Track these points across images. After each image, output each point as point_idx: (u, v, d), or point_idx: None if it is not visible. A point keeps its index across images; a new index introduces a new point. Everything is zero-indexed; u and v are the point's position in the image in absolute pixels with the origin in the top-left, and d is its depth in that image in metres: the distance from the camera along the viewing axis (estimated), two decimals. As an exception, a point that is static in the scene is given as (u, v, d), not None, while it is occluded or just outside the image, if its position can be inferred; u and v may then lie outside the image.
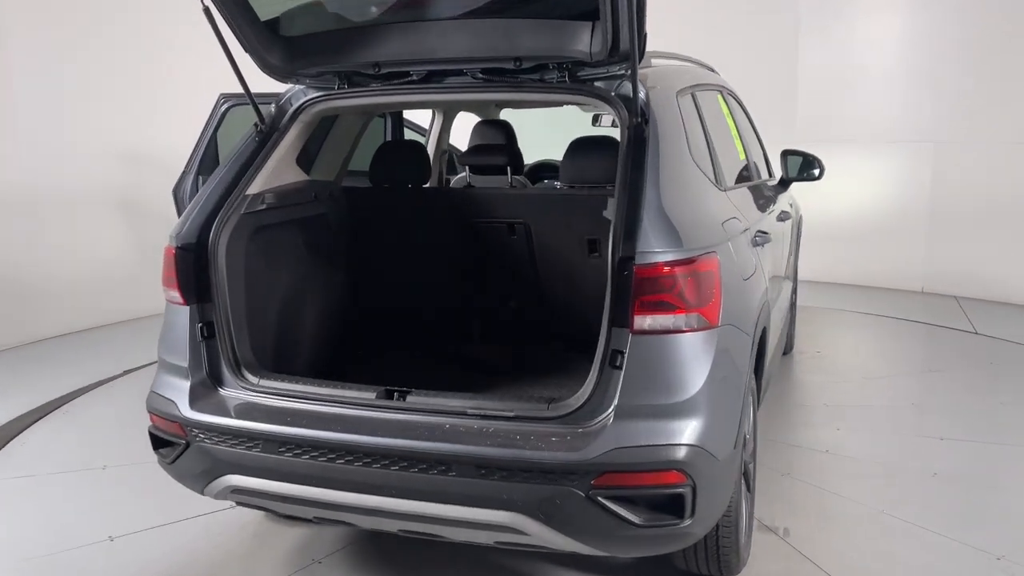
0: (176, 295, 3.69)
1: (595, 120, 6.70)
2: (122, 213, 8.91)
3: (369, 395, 3.42)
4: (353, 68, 3.80)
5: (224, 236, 3.69)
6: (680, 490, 3.03)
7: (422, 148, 4.56)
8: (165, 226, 4.08)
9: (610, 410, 3.08)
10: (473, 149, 4.69)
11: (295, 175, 4.27)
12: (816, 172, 6.10)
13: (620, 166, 3.34)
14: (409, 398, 3.37)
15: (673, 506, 3.04)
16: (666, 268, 3.07)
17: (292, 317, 4.20)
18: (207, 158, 5.98)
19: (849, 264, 10.29)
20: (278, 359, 4.06)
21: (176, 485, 3.73)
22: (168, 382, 3.68)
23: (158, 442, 3.70)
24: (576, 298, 4.48)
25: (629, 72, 3.42)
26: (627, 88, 3.50)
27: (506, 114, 6.91)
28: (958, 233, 9.58)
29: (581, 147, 4.21)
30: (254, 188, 3.85)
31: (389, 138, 6.29)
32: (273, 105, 4.04)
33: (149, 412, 3.71)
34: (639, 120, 3.39)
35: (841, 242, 10.10)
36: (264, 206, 3.90)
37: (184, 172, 6.08)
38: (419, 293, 4.79)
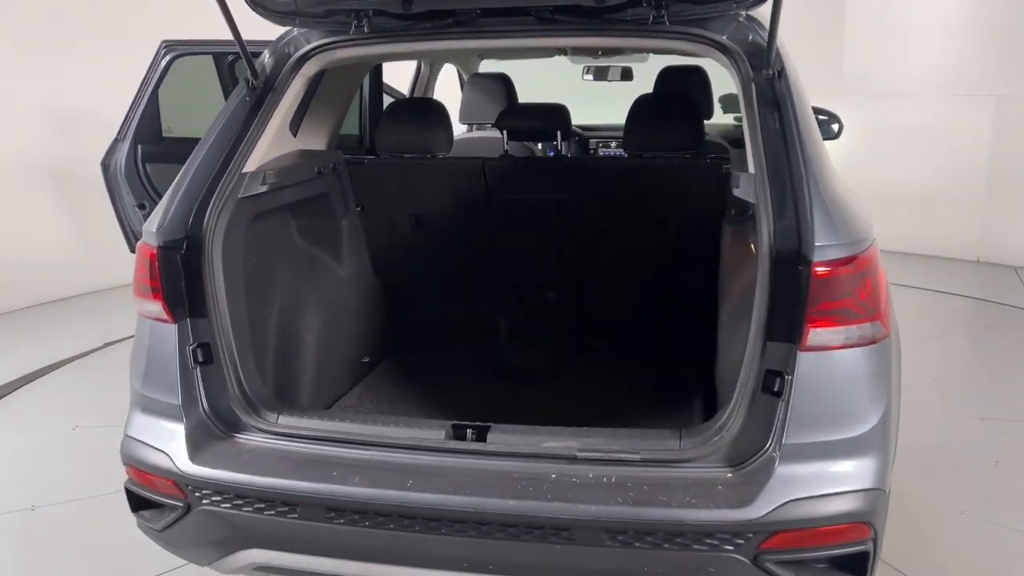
0: (158, 309, 2.77)
1: (598, 74, 5.85)
2: (53, 186, 7.75)
3: (435, 434, 2.63)
4: (377, 6, 2.91)
5: (220, 228, 2.80)
6: (864, 547, 2.38)
7: (443, 109, 3.71)
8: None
9: (771, 449, 2.39)
10: (514, 109, 3.85)
11: (290, 145, 3.38)
12: (835, 129, 5.53)
13: (750, 132, 2.61)
14: (491, 436, 2.60)
15: (855, 565, 2.39)
16: (848, 267, 2.36)
17: (298, 330, 3.34)
18: (145, 122, 4.89)
19: (897, 230, 8.65)
20: (287, 386, 3.22)
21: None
22: (152, 425, 2.78)
23: (139, 502, 2.81)
24: (628, 289, 3.76)
25: (746, 10, 2.69)
26: (744, 32, 2.76)
27: (488, 65, 6.05)
28: (1021, 197, 8.52)
29: (653, 106, 3.46)
30: (251, 164, 2.95)
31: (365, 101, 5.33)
32: (266, 55, 3.11)
33: (126, 464, 2.81)
34: (772, 73, 2.66)
35: (888, 205, 8.68)
36: (265, 188, 3.00)
37: (116, 140, 4.96)
38: (443, 288, 3.97)
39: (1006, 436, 4.94)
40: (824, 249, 2.34)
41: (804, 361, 2.37)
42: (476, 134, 5.21)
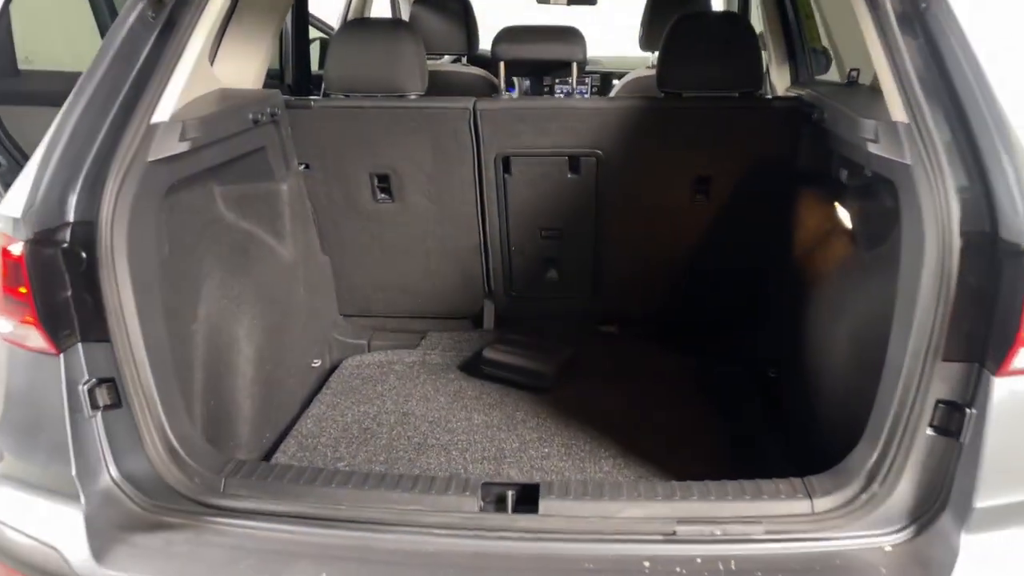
0: (31, 334, 1.85)
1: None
2: None
3: (460, 502, 1.84)
4: None
5: (124, 208, 1.88)
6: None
7: (414, 33, 2.80)
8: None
9: (945, 511, 1.72)
10: (515, 32, 2.96)
11: (212, 83, 2.44)
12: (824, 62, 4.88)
13: (893, 67, 1.86)
14: (545, 503, 1.82)
15: None
16: None
17: (234, 340, 2.45)
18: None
19: None
20: (222, 420, 2.36)
21: None
22: (31, 505, 1.88)
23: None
24: (661, 266, 3.00)
25: None
26: None
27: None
28: None
29: (698, 30, 2.66)
30: (162, 111, 2.02)
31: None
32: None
33: (-8, 560, 1.92)
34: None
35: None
36: (185, 145, 2.07)
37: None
38: (416, 268, 3.11)
39: None
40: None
41: (1002, 390, 1.68)
42: (450, 67, 4.22)
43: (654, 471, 2.36)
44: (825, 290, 2.40)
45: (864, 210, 2.24)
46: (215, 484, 1.91)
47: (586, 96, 2.85)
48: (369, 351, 3.16)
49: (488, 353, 2.94)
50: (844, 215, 2.40)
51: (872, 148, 1.90)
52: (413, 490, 1.88)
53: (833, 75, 5.23)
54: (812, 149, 2.58)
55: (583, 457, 2.45)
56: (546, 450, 2.49)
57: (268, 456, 2.49)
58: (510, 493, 1.88)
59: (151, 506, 1.87)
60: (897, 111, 1.86)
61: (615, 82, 4.66)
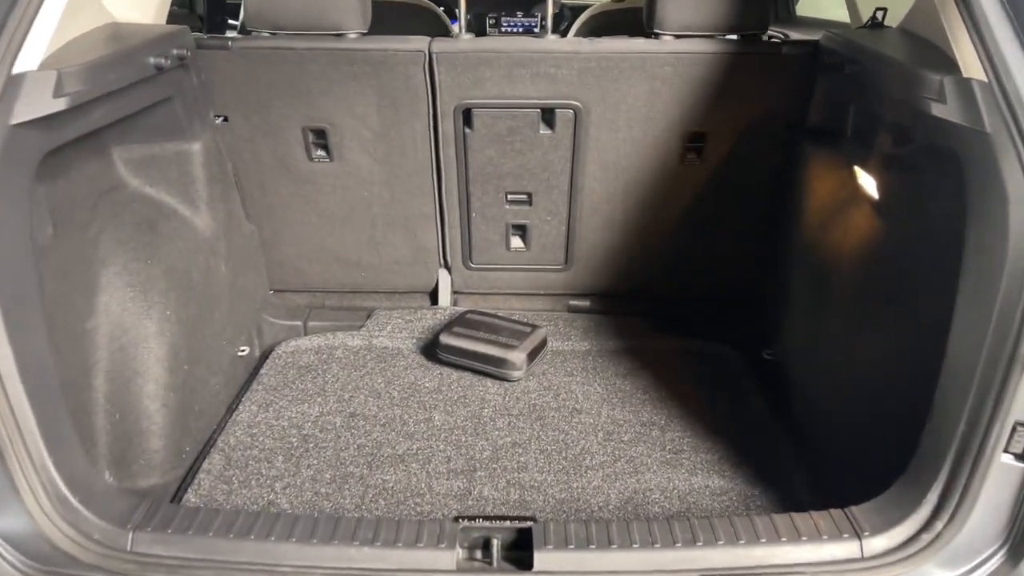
0: None
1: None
2: None
3: (444, 561, 1.49)
4: None
5: None
6: None
7: None
8: None
9: (1003, 550, 1.46)
10: None
11: (102, 16, 1.94)
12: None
13: (965, 8, 1.51)
14: (542, 558, 1.48)
15: None
16: None
17: (142, 339, 2.00)
18: None
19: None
20: (131, 436, 1.93)
21: None
22: None
23: None
24: (646, 232, 2.64)
25: None
26: None
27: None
28: None
29: None
30: (28, 59, 1.53)
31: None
32: None
33: None
34: None
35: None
36: (63, 102, 1.58)
37: None
38: (359, 236, 2.68)
39: None
40: None
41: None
42: None
43: (651, 485, 2.03)
44: (845, 272, 2.07)
45: (906, 182, 1.90)
46: (120, 540, 1.50)
47: (536, 31, 2.42)
48: (306, 334, 2.73)
49: (446, 338, 2.54)
50: (870, 184, 2.07)
51: (937, 110, 1.54)
52: (375, 543, 1.50)
53: (807, 9, 4.88)
54: (829, 105, 2.23)
55: (566, 468, 2.10)
56: (522, 459, 2.13)
57: (190, 475, 2.07)
58: (495, 541, 1.52)
59: (35, 573, 1.45)
60: (972, 65, 1.51)
61: (568, 14, 4.21)
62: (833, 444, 2.00)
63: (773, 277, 2.49)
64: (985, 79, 1.48)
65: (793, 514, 1.59)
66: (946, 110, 1.53)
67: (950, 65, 1.57)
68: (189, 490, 2.00)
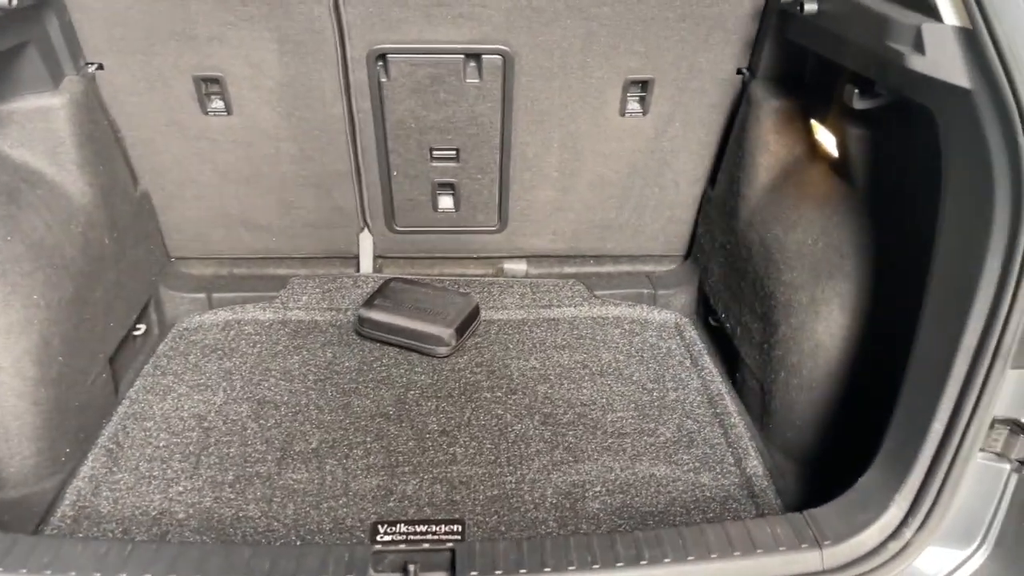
0: None
1: None
2: None
3: None
4: None
5: None
6: None
7: None
8: None
9: (973, 555, 1.35)
10: None
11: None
12: None
13: None
14: None
15: None
16: None
17: (8, 334, 1.72)
18: None
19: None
20: (3, 463, 1.68)
21: None
22: None
23: None
24: (577, 189, 2.42)
25: None
26: None
27: None
28: None
29: None
30: None
31: None
32: None
33: None
34: None
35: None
36: None
37: None
38: (261, 194, 2.40)
39: None
40: None
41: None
42: None
43: (590, 476, 1.85)
44: (799, 236, 1.88)
45: (869, 141, 1.71)
46: None
47: None
48: (211, 307, 2.46)
49: (367, 312, 2.30)
50: (829, 141, 1.87)
51: (912, 62, 1.33)
52: (274, 572, 1.29)
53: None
54: (785, 50, 2.01)
55: (498, 459, 1.90)
56: (451, 450, 1.93)
57: (69, 480, 1.81)
58: (412, 567, 1.32)
59: None
60: (952, 10, 1.31)
61: None
62: (787, 429, 1.84)
63: (718, 238, 2.30)
64: (969, 26, 1.28)
65: (748, 520, 1.43)
66: (923, 62, 1.33)
67: (927, 9, 1.36)
68: (67, 500, 1.75)
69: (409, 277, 2.54)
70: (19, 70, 1.82)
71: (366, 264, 2.59)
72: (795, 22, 1.89)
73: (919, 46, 1.33)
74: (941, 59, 1.30)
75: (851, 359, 1.70)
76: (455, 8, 2.02)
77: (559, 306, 2.48)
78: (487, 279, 2.60)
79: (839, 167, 1.84)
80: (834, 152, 1.84)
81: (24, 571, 1.29)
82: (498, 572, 1.31)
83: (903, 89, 1.45)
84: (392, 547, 1.41)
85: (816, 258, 1.81)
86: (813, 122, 1.94)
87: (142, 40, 2.04)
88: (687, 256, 2.58)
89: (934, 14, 1.34)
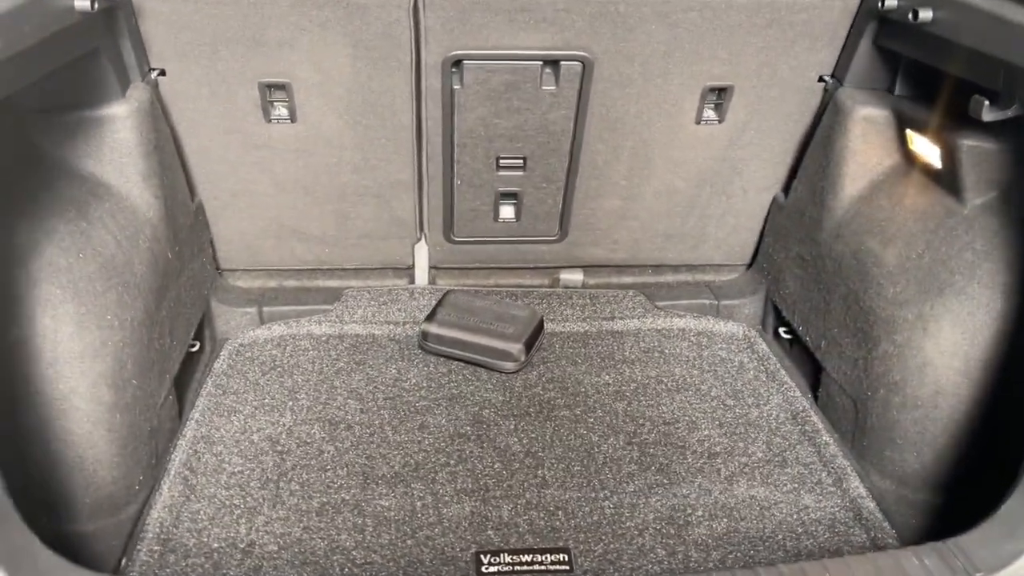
0: None
1: None
2: None
3: None
4: None
5: None
6: None
7: None
8: None
9: None
10: None
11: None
12: None
13: None
14: None
15: None
16: None
17: (82, 359, 1.63)
18: None
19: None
20: (76, 481, 1.58)
21: None
22: None
23: None
24: (644, 200, 2.35)
25: None
26: None
27: None
28: None
29: None
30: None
31: None
32: None
33: None
34: None
35: None
36: None
37: None
38: (324, 205, 2.32)
39: None
40: None
41: None
42: None
43: (689, 500, 1.78)
44: (894, 248, 1.83)
45: (986, 153, 1.66)
46: None
47: None
48: (263, 322, 2.36)
49: (431, 327, 2.22)
50: (930, 152, 1.82)
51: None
52: None
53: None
54: (874, 57, 1.96)
55: (591, 481, 1.83)
56: (540, 473, 1.85)
57: (146, 510, 1.71)
58: None
59: None
60: None
61: None
62: (886, 447, 1.79)
63: (793, 248, 2.25)
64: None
65: (892, 551, 1.37)
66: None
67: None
68: (149, 533, 1.66)
69: (468, 289, 2.46)
70: (88, 78, 1.72)
71: (421, 275, 2.51)
72: (895, 29, 1.84)
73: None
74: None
75: (964, 378, 1.65)
76: (538, 13, 1.94)
77: (622, 318, 2.42)
78: (544, 290, 2.53)
79: (942, 179, 1.79)
80: (937, 163, 1.80)
81: None
82: None
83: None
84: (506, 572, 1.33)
85: (922, 273, 1.76)
86: (909, 132, 1.89)
87: (208, 45, 1.94)
88: (750, 265, 2.53)
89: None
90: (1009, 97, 1.52)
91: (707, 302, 2.50)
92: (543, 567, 1.61)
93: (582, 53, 2.02)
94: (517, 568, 1.60)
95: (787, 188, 2.31)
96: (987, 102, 1.53)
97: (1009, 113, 1.52)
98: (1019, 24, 1.40)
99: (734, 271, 2.57)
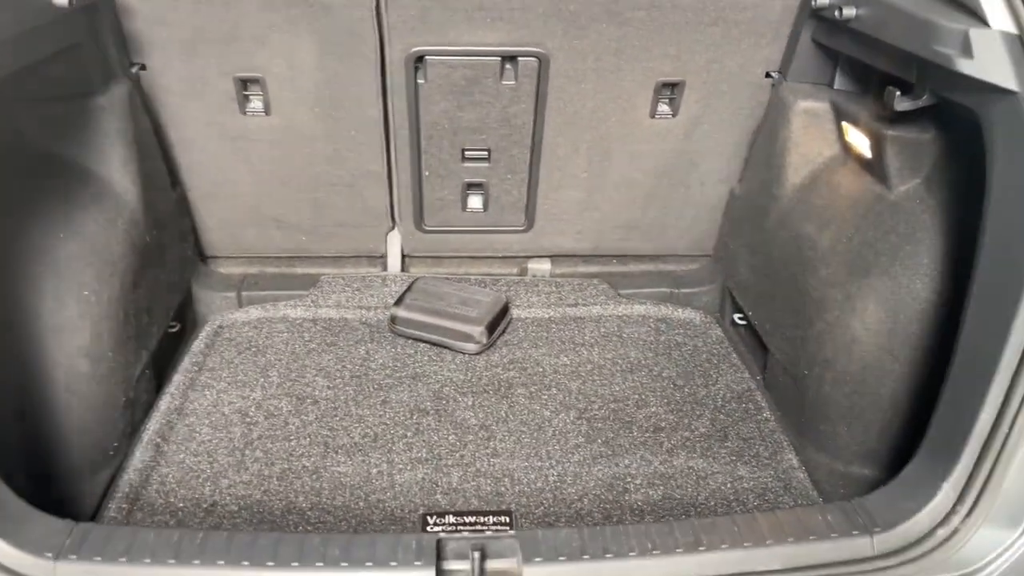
0: None
1: None
2: None
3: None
4: None
5: None
6: None
7: None
8: None
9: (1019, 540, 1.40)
10: None
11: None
12: None
13: None
14: (532, 573, 1.33)
15: None
16: None
17: (54, 328, 1.75)
18: None
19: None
20: (47, 438, 1.70)
21: None
22: None
23: None
24: (605, 190, 2.46)
25: None
26: None
27: None
28: None
29: None
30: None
31: None
32: None
33: None
34: None
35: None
36: None
37: None
38: (296, 195, 2.44)
39: None
40: None
41: None
42: None
43: (630, 469, 1.89)
44: (828, 233, 1.93)
45: (908, 143, 1.76)
46: (42, 573, 1.28)
47: None
48: (241, 306, 2.49)
49: (399, 311, 2.34)
50: (861, 142, 1.92)
51: (961, 65, 1.39)
52: (341, 564, 1.32)
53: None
54: (814, 53, 2.07)
55: (538, 452, 1.94)
56: (491, 444, 1.96)
57: (119, 475, 1.84)
58: (475, 555, 1.35)
59: None
60: (997, 16, 1.36)
61: None
62: (821, 422, 1.89)
63: (745, 237, 2.35)
64: (1015, 31, 1.34)
65: (799, 508, 1.48)
66: (970, 65, 1.38)
67: (970, 15, 1.42)
68: (119, 492, 1.78)
69: (437, 276, 2.58)
70: (72, 71, 1.84)
71: (394, 263, 2.62)
72: (828, 26, 1.94)
73: (967, 50, 1.39)
74: (989, 62, 1.35)
75: (888, 354, 1.75)
76: (494, 11, 2.06)
77: (585, 305, 2.52)
78: (512, 278, 2.64)
79: (872, 167, 1.89)
80: (867, 153, 1.90)
81: (99, 559, 1.31)
82: (561, 558, 1.35)
83: (947, 91, 1.50)
84: (455, 535, 1.44)
85: (851, 255, 1.86)
86: (844, 124, 2.00)
87: (186, 41, 2.07)
88: (710, 255, 2.63)
89: (978, 20, 1.40)
90: (921, 88, 1.62)
91: (669, 290, 2.60)
92: (486, 527, 1.72)
93: (537, 49, 2.14)
94: (460, 527, 1.71)
95: (740, 180, 2.42)
96: (899, 93, 1.64)
97: (920, 103, 1.62)
98: (928, 21, 1.50)
99: (696, 261, 2.67)
